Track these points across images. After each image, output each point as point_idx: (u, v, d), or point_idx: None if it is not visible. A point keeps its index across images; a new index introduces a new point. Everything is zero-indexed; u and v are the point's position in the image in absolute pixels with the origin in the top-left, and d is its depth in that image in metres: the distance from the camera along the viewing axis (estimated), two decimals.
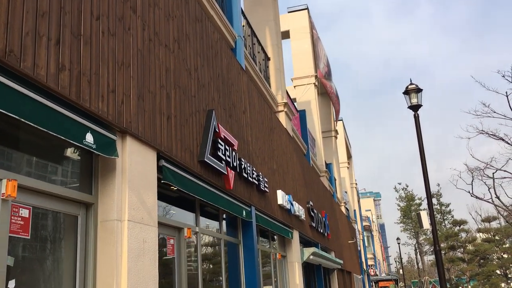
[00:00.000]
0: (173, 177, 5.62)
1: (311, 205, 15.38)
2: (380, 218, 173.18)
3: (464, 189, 28.07)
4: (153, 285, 4.80)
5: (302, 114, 20.31)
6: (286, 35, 26.14)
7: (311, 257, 14.32)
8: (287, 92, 16.02)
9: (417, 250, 70.47)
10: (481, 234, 45.06)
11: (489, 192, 17.14)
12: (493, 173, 16.29)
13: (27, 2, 3.47)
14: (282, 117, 14.17)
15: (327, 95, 29.79)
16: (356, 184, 47.40)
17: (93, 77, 4.20)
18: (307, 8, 26.97)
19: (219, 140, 7.19)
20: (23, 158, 3.77)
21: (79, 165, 4.42)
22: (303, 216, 13.58)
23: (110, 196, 4.45)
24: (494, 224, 44.26)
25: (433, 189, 61.08)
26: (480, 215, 49.26)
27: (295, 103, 22.20)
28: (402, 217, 72.12)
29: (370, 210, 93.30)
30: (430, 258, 68.39)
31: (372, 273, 55.78)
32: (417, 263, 71.77)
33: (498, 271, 41.32)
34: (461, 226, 46.81)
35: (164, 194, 6.08)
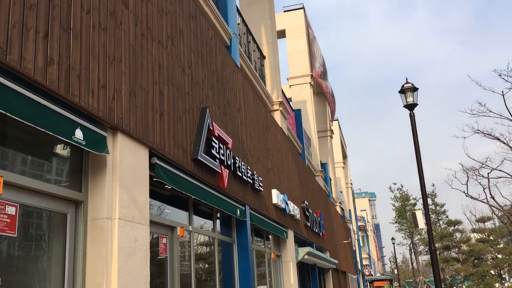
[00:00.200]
0: (165, 175, 5.53)
1: (306, 204, 15.32)
2: (375, 218, 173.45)
3: (459, 189, 28.09)
4: (144, 285, 4.70)
5: (298, 114, 20.24)
6: (282, 34, 26.07)
7: (306, 256, 14.26)
8: (282, 91, 15.94)
9: (412, 250, 70.60)
10: (475, 234, 45.19)
11: (484, 192, 17.13)
12: (488, 173, 16.28)
13: None
14: (277, 116, 14.09)
15: (323, 95, 29.76)
16: (351, 184, 47.41)
17: (83, 72, 4.11)
18: (303, 8, 26.91)
19: (213, 138, 7.10)
20: (10, 154, 3.67)
21: (68, 161, 4.32)
22: (298, 216, 13.51)
23: (100, 194, 4.35)
24: (489, 225, 44.43)
25: (428, 189, 61.30)
26: (475, 216, 49.46)
27: (290, 103, 22.13)
28: (397, 217, 72.26)
29: (365, 210, 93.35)
30: (424, 258, 68.58)
31: (367, 273, 55.86)
32: (412, 263, 71.90)
33: (492, 271, 41.43)
34: (456, 226, 46.94)
35: (157, 192, 5.99)
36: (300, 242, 15.33)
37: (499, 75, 13.41)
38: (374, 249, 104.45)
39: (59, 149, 4.25)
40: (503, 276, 42.33)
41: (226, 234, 8.71)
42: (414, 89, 11.42)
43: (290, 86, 25.77)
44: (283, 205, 11.61)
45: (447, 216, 57.64)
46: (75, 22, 4.09)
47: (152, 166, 5.34)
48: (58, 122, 3.75)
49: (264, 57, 14.63)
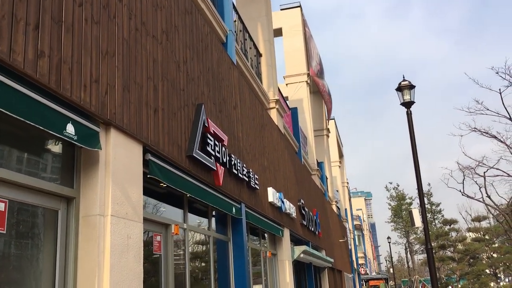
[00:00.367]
0: (159, 172, 5.45)
1: (302, 203, 15.26)
2: (371, 217, 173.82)
3: (456, 188, 28.12)
4: (137, 283, 4.63)
5: (294, 112, 20.17)
6: (278, 32, 25.99)
7: (302, 255, 14.20)
8: (279, 89, 15.87)
9: (408, 249, 70.71)
10: (471, 233, 45.25)
11: (480, 191, 17.09)
12: (484, 172, 16.26)
13: None
14: (273, 114, 14.02)
15: (319, 94, 29.70)
16: (347, 183, 47.40)
17: (74, 66, 4.02)
18: (299, 6, 26.84)
19: (209, 135, 7.02)
20: None
21: (60, 157, 4.23)
22: (294, 214, 13.45)
23: (92, 190, 4.27)
24: (484, 224, 44.47)
25: (424, 188, 61.33)
26: (470, 215, 49.54)
27: (287, 101, 22.07)
28: (393, 216, 72.33)
29: (361, 209, 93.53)
30: (420, 257, 68.65)
31: (363, 272, 55.91)
32: (407, 262, 72.03)
33: (487, 271, 41.50)
34: (451, 226, 46.97)
35: (151, 190, 5.91)
36: (296, 240, 15.27)
37: (497, 72, 13.39)
38: (370, 248, 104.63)
39: (51, 145, 4.16)
40: (499, 275, 42.42)
41: (221, 232, 8.64)
42: (411, 86, 11.36)
43: (286, 84, 25.70)
44: (279, 204, 11.54)
45: (442, 216, 57.73)
46: (67, 14, 4.01)
47: (146, 163, 5.26)
48: (49, 116, 3.66)
49: (260, 55, 14.55)
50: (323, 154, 29.30)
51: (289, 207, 12.83)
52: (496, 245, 42.27)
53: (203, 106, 6.96)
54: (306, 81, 25.34)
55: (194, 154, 6.38)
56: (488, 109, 13.84)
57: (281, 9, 26.99)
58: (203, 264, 7.85)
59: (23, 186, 3.66)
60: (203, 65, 7.58)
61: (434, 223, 56.62)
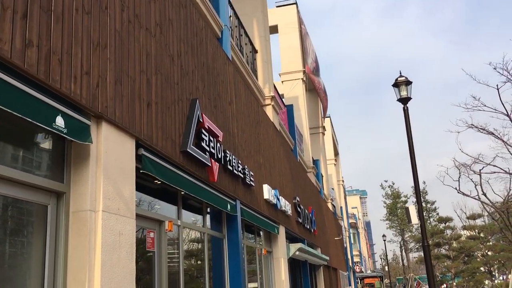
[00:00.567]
0: (152, 167, 5.34)
1: (297, 200, 15.18)
2: (366, 215, 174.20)
3: (451, 185, 28.11)
4: (129, 280, 4.52)
5: (290, 109, 20.09)
6: (274, 29, 25.89)
7: (297, 253, 14.12)
8: (274, 86, 15.77)
9: (403, 247, 70.85)
10: (466, 231, 45.33)
11: (476, 189, 17.06)
12: (479, 170, 16.21)
13: None
14: (269, 111, 13.92)
15: (315, 91, 29.62)
16: (343, 181, 47.40)
17: (64, 57, 3.90)
18: (295, 3, 26.74)
19: (203, 131, 6.91)
20: None
21: (49, 151, 4.12)
22: (289, 212, 13.36)
23: (83, 185, 4.16)
24: (479, 222, 44.53)
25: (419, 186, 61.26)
26: (465, 213, 49.57)
27: (283, 99, 21.97)
28: (388, 214, 72.43)
29: (356, 207, 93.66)
30: (415, 255, 68.78)
31: (358, 270, 55.92)
32: (402, 260, 72.18)
33: (482, 268, 41.60)
34: (447, 223, 47.05)
35: (144, 185, 5.80)
36: (291, 238, 15.19)
37: (494, 68, 13.31)
38: (365, 246, 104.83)
39: (40, 138, 4.05)
40: (493, 273, 42.55)
41: (216, 229, 8.54)
42: (407, 82, 11.29)
43: (282, 82, 25.62)
44: (274, 201, 11.45)
45: (437, 214, 57.81)
46: (57, 3, 3.89)
47: (139, 158, 5.14)
48: (37, 108, 3.54)
49: (256, 51, 14.45)
50: (318, 151, 29.25)
51: (285, 205, 12.74)
52: (491, 243, 42.37)
53: (197, 101, 6.85)
54: (302, 79, 25.26)
55: (188, 150, 6.27)
56: (485, 105, 13.77)
57: (277, 6, 26.89)
58: (197, 261, 7.74)
59: (11, 180, 3.55)
60: (198, 59, 7.47)
61: (429, 221, 56.69)
